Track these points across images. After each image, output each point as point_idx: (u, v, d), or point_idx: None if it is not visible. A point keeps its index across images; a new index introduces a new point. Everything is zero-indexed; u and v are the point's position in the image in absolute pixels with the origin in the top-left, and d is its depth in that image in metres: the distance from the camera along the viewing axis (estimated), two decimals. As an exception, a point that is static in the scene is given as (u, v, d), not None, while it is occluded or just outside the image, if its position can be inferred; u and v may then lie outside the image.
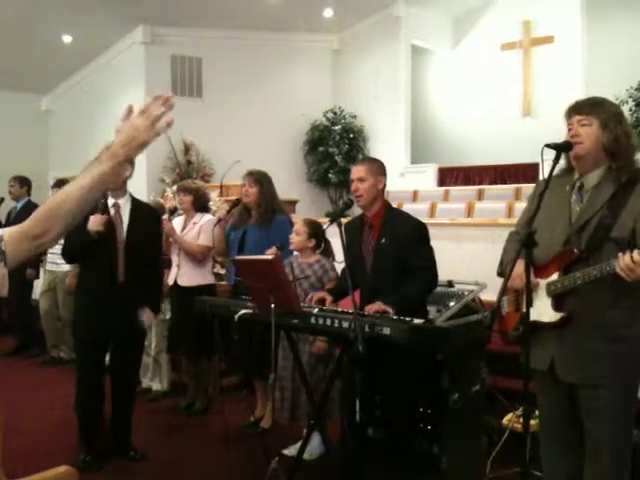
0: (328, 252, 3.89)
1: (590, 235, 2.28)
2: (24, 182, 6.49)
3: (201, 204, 4.66)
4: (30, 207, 6.34)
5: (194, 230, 4.53)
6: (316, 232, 3.72)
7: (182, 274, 4.51)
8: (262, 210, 4.16)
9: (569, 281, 2.27)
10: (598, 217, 2.27)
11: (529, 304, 2.27)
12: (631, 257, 2.07)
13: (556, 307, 2.33)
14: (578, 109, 2.34)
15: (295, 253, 3.87)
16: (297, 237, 3.77)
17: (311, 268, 3.74)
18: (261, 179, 4.21)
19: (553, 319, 2.33)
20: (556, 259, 2.34)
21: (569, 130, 2.35)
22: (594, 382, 2.28)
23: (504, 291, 2.54)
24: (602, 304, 2.27)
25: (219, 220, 4.37)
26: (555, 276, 2.34)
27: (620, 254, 2.10)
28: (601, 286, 2.21)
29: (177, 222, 4.65)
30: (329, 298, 3.13)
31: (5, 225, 6.35)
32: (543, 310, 2.37)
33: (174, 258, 4.57)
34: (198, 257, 4.47)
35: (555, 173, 2.49)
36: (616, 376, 2.29)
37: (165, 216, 4.61)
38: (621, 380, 2.31)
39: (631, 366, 2.33)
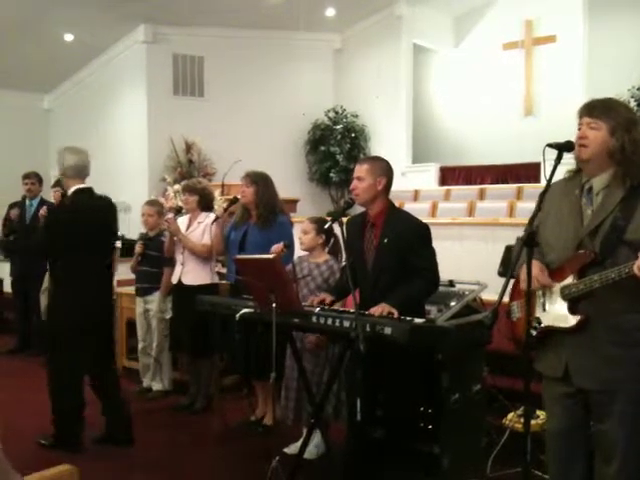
0: (337, 249, 3.86)
1: (604, 238, 2.24)
2: (41, 179, 6.41)
3: (206, 204, 4.68)
4: (43, 205, 6.27)
5: (199, 229, 4.54)
6: (323, 228, 3.69)
7: (186, 272, 4.51)
8: (261, 210, 4.16)
9: (585, 285, 2.23)
10: (611, 219, 2.24)
11: (528, 302, 2.26)
12: None
13: (572, 311, 2.29)
14: (590, 110, 2.30)
15: (302, 253, 3.85)
16: (306, 236, 3.74)
17: (319, 269, 3.72)
18: (257, 179, 4.21)
19: (570, 323, 2.29)
20: (570, 262, 2.30)
21: (578, 130, 2.32)
22: (611, 387, 2.25)
23: (513, 294, 2.53)
24: (618, 308, 2.23)
25: (216, 218, 4.37)
26: (570, 279, 2.29)
27: None
28: (617, 290, 2.18)
29: (182, 221, 4.66)
30: (329, 298, 3.13)
31: (20, 223, 6.25)
32: (558, 315, 2.33)
33: (178, 257, 4.58)
34: (203, 255, 4.48)
35: (565, 176, 2.48)
36: (633, 381, 2.25)
37: (170, 215, 4.62)
38: (637, 384, 2.27)
39: None
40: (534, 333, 2.37)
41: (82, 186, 3.84)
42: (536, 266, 2.29)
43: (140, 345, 5.11)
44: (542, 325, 2.37)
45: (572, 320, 2.29)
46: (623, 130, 2.26)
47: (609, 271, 2.16)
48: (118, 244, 5.76)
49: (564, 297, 2.32)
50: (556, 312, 2.34)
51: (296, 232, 4.11)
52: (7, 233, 6.48)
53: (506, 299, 2.49)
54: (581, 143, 2.29)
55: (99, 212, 3.91)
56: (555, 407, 2.46)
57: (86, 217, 3.81)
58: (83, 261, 3.79)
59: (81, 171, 3.84)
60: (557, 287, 2.34)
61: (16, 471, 1.80)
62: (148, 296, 4.99)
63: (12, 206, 6.40)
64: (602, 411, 2.29)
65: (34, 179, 6.33)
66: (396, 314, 2.78)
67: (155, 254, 4.84)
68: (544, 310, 2.39)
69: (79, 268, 3.78)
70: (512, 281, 2.55)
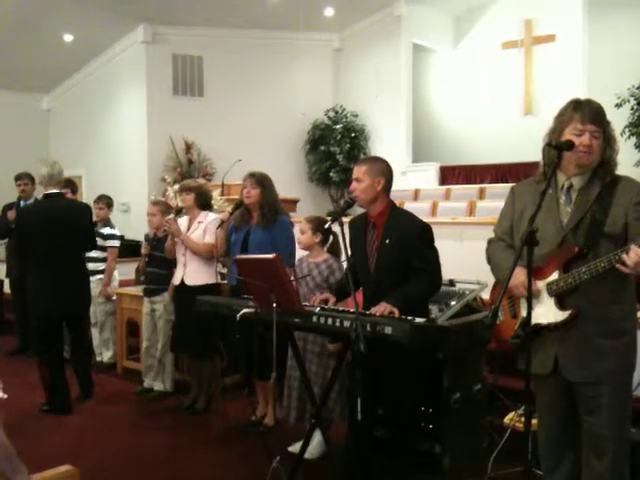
0: (337, 249, 3.86)
1: (586, 232, 2.29)
2: (34, 179, 6.36)
3: (203, 202, 4.66)
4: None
5: (200, 229, 4.54)
6: (320, 226, 3.68)
7: (189, 273, 4.51)
8: (265, 211, 4.16)
9: (574, 278, 2.26)
10: (590, 214, 2.29)
11: (530, 306, 2.24)
12: None
13: (561, 306, 2.32)
14: (593, 118, 2.31)
15: (303, 253, 3.85)
16: (303, 235, 3.75)
17: (318, 268, 3.71)
18: (263, 181, 4.20)
19: (561, 318, 2.31)
20: (554, 259, 2.33)
21: (579, 133, 2.30)
22: (600, 379, 2.29)
23: (503, 295, 2.52)
24: (604, 299, 2.28)
25: (222, 222, 4.36)
26: (555, 275, 2.32)
27: (633, 246, 2.08)
28: (601, 281, 2.22)
29: (182, 222, 4.65)
30: (332, 299, 3.13)
31: (17, 224, 6.24)
32: (545, 312, 2.35)
33: (180, 258, 4.57)
34: (205, 256, 4.48)
35: (533, 178, 2.50)
36: (619, 371, 2.32)
37: (171, 216, 4.61)
38: (623, 375, 2.34)
39: (630, 360, 2.36)
40: (520, 334, 2.39)
41: (50, 192, 4.47)
42: (520, 271, 2.28)
43: (144, 345, 5.10)
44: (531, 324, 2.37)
45: (562, 315, 2.31)
46: (612, 137, 2.35)
47: (598, 261, 2.20)
48: (115, 243, 5.76)
49: (551, 293, 2.34)
50: (543, 309, 2.35)
51: (296, 233, 4.11)
52: (3, 235, 6.49)
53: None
54: (588, 151, 2.30)
55: (58, 215, 4.45)
56: (545, 401, 2.50)
57: (35, 220, 4.43)
58: (35, 260, 4.49)
59: (52, 179, 4.47)
60: (542, 284, 2.36)
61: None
62: (155, 296, 4.98)
63: (7, 207, 6.38)
64: (591, 404, 2.33)
65: (27, 180, 6.29)
66: (397, 313, 2.78)
67: (163, 255, 4.83)
68: (532, 309, 2.40)
69: (33, 267, 4.52)
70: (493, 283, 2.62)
